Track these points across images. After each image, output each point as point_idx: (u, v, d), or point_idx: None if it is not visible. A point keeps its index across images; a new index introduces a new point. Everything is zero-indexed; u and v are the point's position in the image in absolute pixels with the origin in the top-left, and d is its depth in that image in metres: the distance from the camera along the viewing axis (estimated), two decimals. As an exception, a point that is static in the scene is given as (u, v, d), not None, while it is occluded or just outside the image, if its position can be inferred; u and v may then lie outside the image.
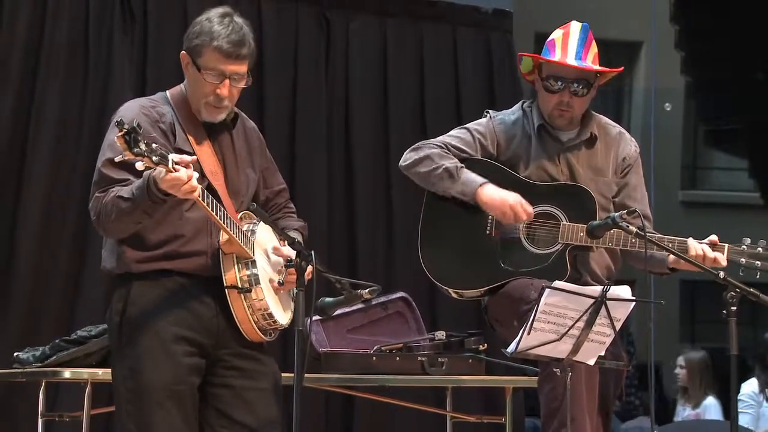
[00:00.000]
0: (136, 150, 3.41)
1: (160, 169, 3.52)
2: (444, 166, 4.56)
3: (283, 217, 4.19)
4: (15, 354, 4.98)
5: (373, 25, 7.40)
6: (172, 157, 3.54)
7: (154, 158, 3.46)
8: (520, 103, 4.78)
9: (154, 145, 3.48)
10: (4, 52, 6.36)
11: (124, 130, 3.39)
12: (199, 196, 3.62)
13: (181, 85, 3.99)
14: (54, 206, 6.38)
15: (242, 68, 3.86)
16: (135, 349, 3.79)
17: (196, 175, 3.60)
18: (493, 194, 4.52)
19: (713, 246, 4.45)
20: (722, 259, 4.43)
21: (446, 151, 4.62)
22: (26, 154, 6.36)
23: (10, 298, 6.26)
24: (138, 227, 3.76)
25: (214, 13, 3.89)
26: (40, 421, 4.90)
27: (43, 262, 6.35)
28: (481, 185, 4.53)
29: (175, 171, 3.52)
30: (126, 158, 3.44)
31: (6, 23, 6.37)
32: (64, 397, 5.86)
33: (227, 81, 3.84)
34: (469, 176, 4.55)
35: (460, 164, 4.58)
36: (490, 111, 4.80)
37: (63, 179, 6.41)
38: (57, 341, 4.92)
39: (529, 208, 4.50)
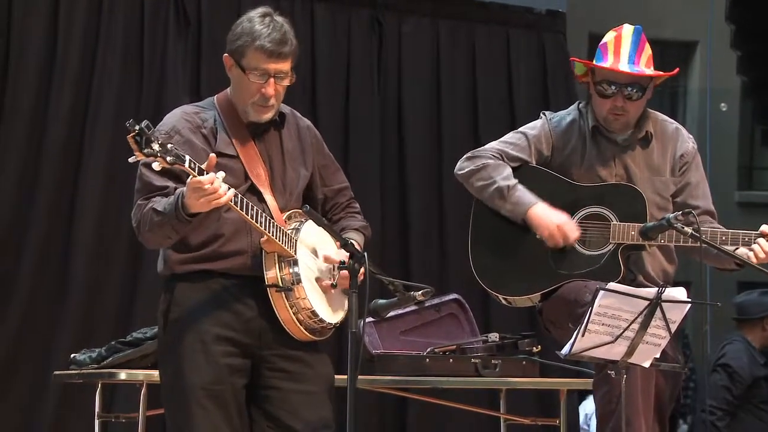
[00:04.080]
0: (146, 150, 3.45)
1: (188, 181, 3.54)
2: (496, 185, 4.54)
3: (345, 216, 4.18)
4: (72, 355, 5.03)
5: (425, 28, 7.40)
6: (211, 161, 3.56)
7: (168, 158, 3.48)
8: (576, 103, 4.75)
9: (169, 146, 3.50)
10: (61, 56, 6.43)
11: (135, 131, 3.43)
12: (231, 201, 3.64)
13: (227, 90, 4.02)
14: (110, 209, 6.44)
15: (285, 66, 3.88)
16: (177, 350, 3.83)
17: (224, 186, 3.61)
18: (540, 217, 4.49)
19: None
20: None
21: (501, 159, 4.60)
22: (82, 156, 6.44)
23: (66, 300, 6.34)
24: (170, 242, 3.80)
25: (254, 13, 3.91)
26: (96, 421, 4.95)
27: (100, 264, 6.41)
28: (529, 207, 4.50)
29: (198, 174, 3.55)
30: (138, 159, 3.49)
31: (62, 29, 6.44)
32: (120, 398, 5.91)
33: (272, 80, 3.85)
34: (520, 197, 4.52)
35: (512, 182, 4.54)
36: (545, 113, 4.76)
37: (118, 182, 6.45)
38: (113, 343, 4.97)
39: (576, 233, 4.47)
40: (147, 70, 6.61)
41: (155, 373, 4.69)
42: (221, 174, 3.62)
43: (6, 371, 6.20)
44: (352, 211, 4.22)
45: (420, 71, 7.36)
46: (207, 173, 3.59)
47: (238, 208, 3.69)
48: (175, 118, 3.90)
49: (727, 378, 7.23)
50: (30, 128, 6.36)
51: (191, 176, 3.57)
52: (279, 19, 3.91)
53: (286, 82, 3.90)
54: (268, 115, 3.93)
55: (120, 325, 6.27)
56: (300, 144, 4.08)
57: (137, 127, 3.44)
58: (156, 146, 3.46)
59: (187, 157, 3.55)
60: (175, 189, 3.74)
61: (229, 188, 3.64)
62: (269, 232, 3.77)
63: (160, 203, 3.73)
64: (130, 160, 3.55)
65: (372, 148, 7.15)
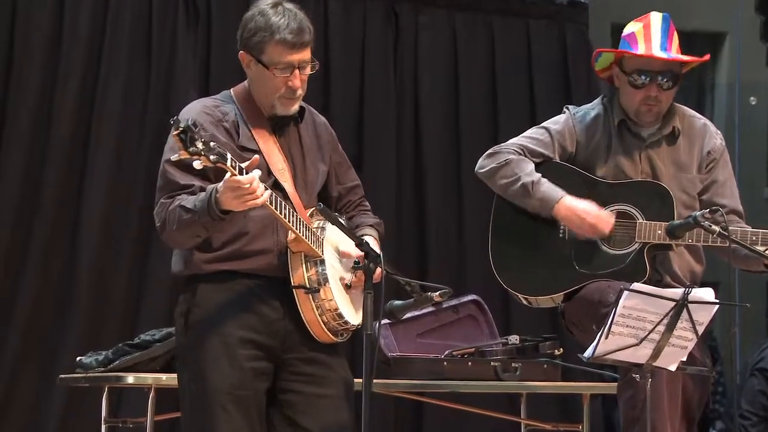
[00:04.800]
0: (192, 149, 3.43)
1: (225, 178, 3.53)
2: (521, 182, 4.53)
3: (358, 214, 4.18)
4: (78, 358, 5.05)
5: (442, 19, 7.40)
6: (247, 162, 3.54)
7: (211, 157, 3.47)
8: (600, 97, 4.73)
9: (212, 144, 3.49)
10: (66, 47, 6.44)
11: (180, 129, 3.41)
12: (267, 201, 3.63)
13: (245, 83, 4.01)
14: (116, 208, 6.46)
15: (307, 54, 3.88)
16: (199, 353, 3.81)
17: (262, 186, 3.60)
18: (569, 209, 4.48)
19: None
20: None
21: (523, 155, 4.59)
22: (88, 153, 6.46)
23: (72, 302, 6.36)
24: (197, 241, 3.78)
25: (265, 5, 3.89)
26: (103, 426, 4.96)
27: (106, 264, 6.43)
28: (557, 201, 4.50)
29: (238, 173, 3.53)
30: (182, 157, 3.46)
31: (68, 19, 6.45)
32: (128, 403, 5.93)
33: (296, 71, 3.86)
34: (546, 191, 4.51)
35: (536, 177, 4.53)
36: (569, 106, 4.75)
37: (125, 180, 6.48)
38: (120, 345, 4.98)
39: (611, 219, 4.46)
40: (155, 64, 6.62)
41: (164, 376, 4.71)
42: (257, 172, 3.60)
43: (11, 374, 6.23)
44: (364, 208, 4.22)
45: (437, 65, 7.35)
46: (247, 172, 3.57)
47: (273, 208, 3.68)
48: (194, 111, 3.87)
49: (765, 382, 7.20)
50: (34, 124, 6.38)
51: (229, 175, 3.55)
52: (290, 5, 3.90)
53: (309, 70, 3.90)
54: (296, 107, 3.93)
55: (127, 327, 6.29)
56: (317, 140, 4.08)
57: (182, 125, 3.41)
58: (200, 144, 3.45)
59: (229, 155, 3.53)
60: (200, 187, 3.73)
61: (266, 188, 3.62)
62: (299, 231, 3.77)
63: (188, 201, 3.71)
64: (173, 158, 3.54)
65: (388, 145, 7.15)
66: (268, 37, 3.83)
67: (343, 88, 7.07)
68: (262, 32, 3.84)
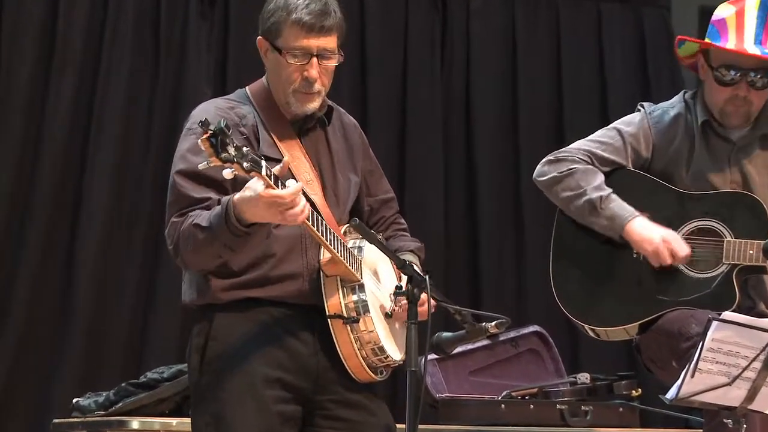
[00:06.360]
0: (224, 155, 3.40)
1: (256, 188, 3.51)
2: (586, 197, 4.54)
3: (395, 235, 4.18)
4: (74, 400, 5.09)
5: (498, 4, 7.40)
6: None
7: (244, 165, 3.45)
8: (681, 93, 4.74)
9: (245, 149, 3.46)
10: (61, 37, 6.47)
11: (210, 132, 3.38)
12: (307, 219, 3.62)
13: (263, 79, 4.02)
14: (119, 221, 6.48)
15: (330, 42, 3.86)
16: (218, 393, 3.81)
17: (303, 200, 3.58)
18: (642, 232, 4.49)
19: None
20: None
21: (591, 163, 4.60)
22: (86, 159, 6.47)
23: (67, 334, 6.37)
24: (220, 261, 3.76)
25: None
26: (104, 478, 5.00)
27: (107, 290, 6.45)
28: (628, 221, 4.50)
29: (274, 185, 3.51)
30: (212, 165, 3.43)
31: (63, 7, 6.48)
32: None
33: (314, 60, 3.84)
34: (616, 210, 4.52)
35: (605, 192, 4.54)
36: (644, 104, 4.75)
37: (128, 192, 6.51)
38: (123, 385, 5.03)
39: (686, 248, 4.47)
40: (163, 57, 6.65)
41: (174, 421, 4.75)
42: (300, 184, 3.57)
43: (-4, 418, 6.27)
44: (400, 227, 4.23)
45: (492, 55, 7.36)
46: (281, 180, 3.54)
47: (311, 224, 3.65)
48: (208, 114, 3.80)
49: None
50: (25, 125, 6.40)
51: (263, 185, 3.51)
52: None
53: (333, 63, 3.89)
54: (314, 104, 3.91)
55: (131, 363, 6.32)
56: (347, 145, 4.09)
57: (212, 128, 3.40)
58: (232, 150, 3.42)
59: (263, 163, 3.51)
60: (218, 200, 3.72)
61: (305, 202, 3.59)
62: (337, 251, 3.76)
63: (202, 217, 3.69)
64: (200, 166, 3.49)
65: (434, 152, 7.16)
66: (284, 17, 3.83)
67: (382, 83, 7.09)
68: (279, 12, 3.85)
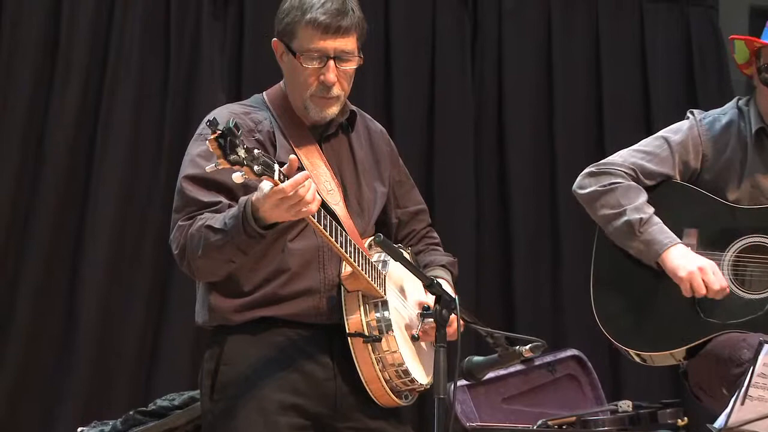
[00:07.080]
0: (233, 157, 3.41)
1: (263, 188, 3.51)
2: (625, 218, 4.54)
3: (426, 249, 4.19)
4: (79, 429, 5.11)
5: (532, 4, 7.41)
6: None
7: (255, 168, 3.45)
8: (734, 100, 4.73)
9: (256, 152, 3.46)
10: (66, 39, 6.51)
11: (219, 132, 3.39)
12: (314, 217, 3.61)
13: (280, 83, 4.04)
14: (126, 231, 6.50)
15: (348, 44, 3.88)
16: (231, 422, 3.82)
17: (313, 187, 3.56)
18: (678, 262, 4.48)
19: None
20: None
21: (635, 178, 4.59)
22: (92, 166, 6.50)
23: (71, 359, 6.39)
24: (231, 268, 3.77)
25: None
26: None
27: (113, 310, 6.46)
28: (665, 249, 4.50)
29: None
30: (221, 167, 3.43)
31: (67, 5, 6.51)
32: (140, 484, 5.98)
33: (331, 62, 3.86)
34: (654, 234, 4.51)
35: (646, 213, 4.53)
36: (694, 111, 4.75)
37: (137, 204, 6.53)
38: (131, 413, 5.04)
39: (721, 282, 4.46)
40: (174, 59, 6.68)
41: (185, 451, 4.76)
42: (304, 173, 3.56)
43: (-5, 448, 6.30)
44: (432, 242, 4.23)
45: (526, 58, 7.36)
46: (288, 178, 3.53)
47: (322, 227, 3.64)
48: (222, 119, 3.72)
49: None
50: (27, 130, 6.44)
51: (271, 186, 3.51)
52: None
53: (352, 66, 3.91)
54: (333, 110, 3.93)
55: (139, 389, 6.34)
56: (372, 153, 4.10)
57: (221, 128, 3.41)
58: (242, 152, 3.43)
59: (276, 166, 3.52)
60: (229, 205, 3.74)
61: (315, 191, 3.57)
62: (358, 264, 3.76)
63: (215, 219, 3.71)
64: (208, 168, 3.49)
65: (464, 161, 7.16)
66: (299, 18, 3.85)
67: (409, 92, 7.10)
68: (294, 12, 3.87)
